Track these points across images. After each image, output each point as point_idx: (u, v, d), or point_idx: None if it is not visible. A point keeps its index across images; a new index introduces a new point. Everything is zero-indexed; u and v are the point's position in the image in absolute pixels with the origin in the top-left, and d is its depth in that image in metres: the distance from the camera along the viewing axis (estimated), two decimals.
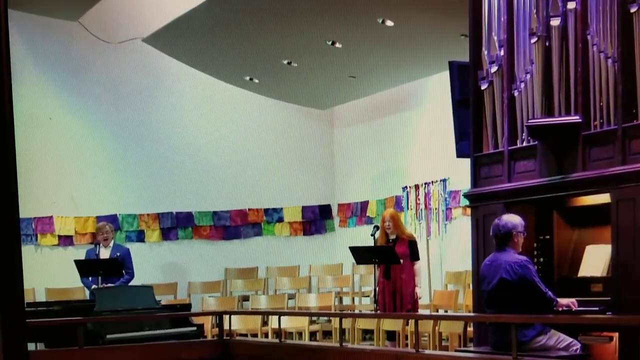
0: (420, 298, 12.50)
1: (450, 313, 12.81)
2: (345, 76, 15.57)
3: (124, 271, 12.96)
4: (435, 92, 14.90)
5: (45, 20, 15.29)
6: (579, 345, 7.93)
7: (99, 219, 15.46)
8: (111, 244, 13.51)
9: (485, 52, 9.35)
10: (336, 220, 17.81)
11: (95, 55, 15.77)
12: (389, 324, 12.07)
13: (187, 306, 12.42)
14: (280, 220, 17.44)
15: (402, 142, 16.12)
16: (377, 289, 12.28)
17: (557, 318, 7.91)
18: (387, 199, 16.26)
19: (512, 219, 8.12)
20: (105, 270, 12.61)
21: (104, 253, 13.27)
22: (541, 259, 8.94)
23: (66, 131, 15.65)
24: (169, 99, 16.49)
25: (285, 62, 15.07)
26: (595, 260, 8.51)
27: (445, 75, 10.74)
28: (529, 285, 7.82)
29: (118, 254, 13.24)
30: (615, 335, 7.97)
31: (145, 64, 16.17)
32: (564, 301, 8.07)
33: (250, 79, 16.40)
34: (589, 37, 8.22)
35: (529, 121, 8.61)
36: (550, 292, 7.91)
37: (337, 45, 14.06)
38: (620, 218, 7.88)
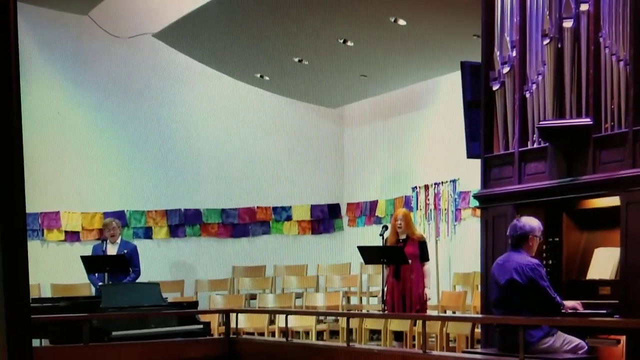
0: (429, 299, 12.46)
1: (458, 314, 12.79)
2: (356, 75, 15.53)
3: (130, 269, 12.94)
4: (446, 92, 14.86)
5: (54, 14, 15.27)
6: (585, 347, 7.91)
7: (106, 214, 15.43)
8: (118, 241, 13.47)
9: (498, 53, 9.33)
10: (345, 219, 17.77)
11: (105, 49, 15.74)
12: (397, 325, 12.04)
13: (194, 304, 12.40)
14: (289, 218, 17.40)
15: (412, 142, 16.07)
16: (385, 289, 12.24)
17: (565, 321, 7.88)
18: (397, 199, 16.21)
19: (531, 222, 8.11)
20: (112, 266, 12.57)
21: (111, 249, 13.22)
22: (550, 261, 8.92)
23: (74, 126, 15.63)
24: (178, 95, 16.46)
25: (296, 59, 15.04)
26: (604, 263, 8.49)
27: (457, 75, 10.72)
28: (538, 288, 7.81)
29: (125, 250, 13.18)
30: (623, 338, 7.94)
31: (154, 60, 16.15)
32: (569, 304, 8.11)
33: (261, 77, 16.38)
34: (601, 39, 8.20)
35: (540, 123, 8.60)
36: (558, 297, 7.90)
37: (349, 43, 14.03)
38: (629, 221, 7.86)
